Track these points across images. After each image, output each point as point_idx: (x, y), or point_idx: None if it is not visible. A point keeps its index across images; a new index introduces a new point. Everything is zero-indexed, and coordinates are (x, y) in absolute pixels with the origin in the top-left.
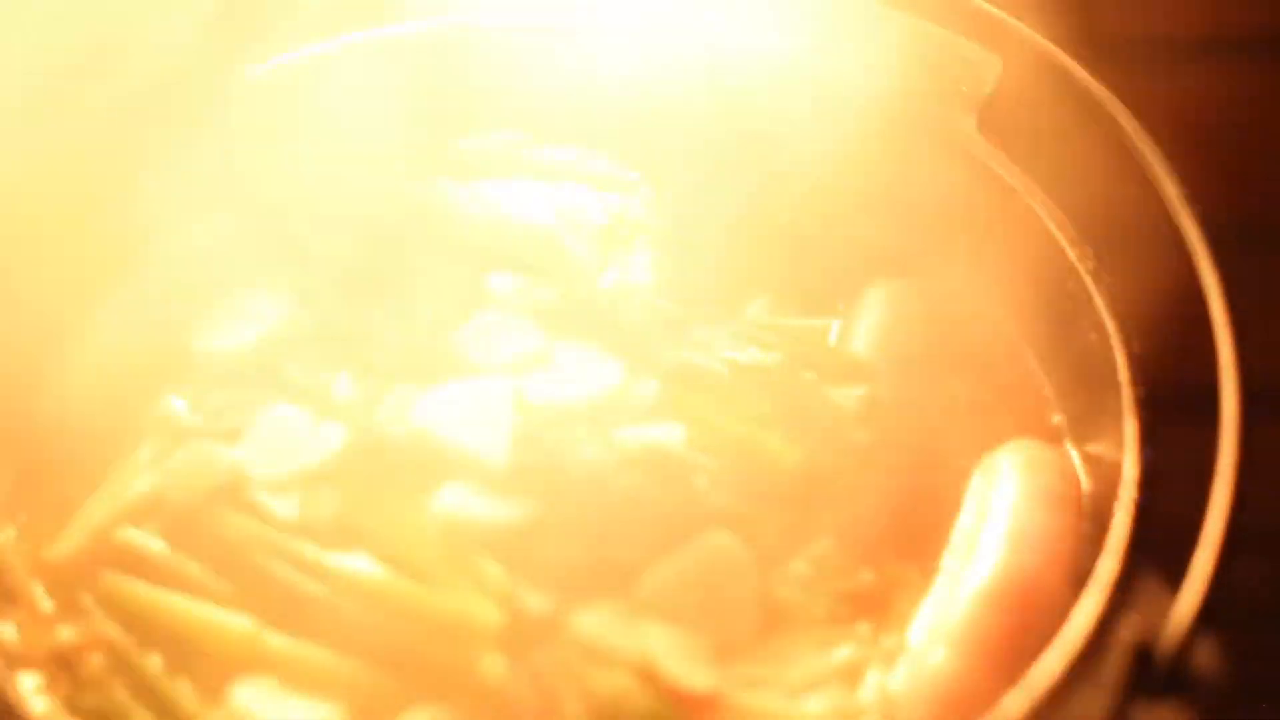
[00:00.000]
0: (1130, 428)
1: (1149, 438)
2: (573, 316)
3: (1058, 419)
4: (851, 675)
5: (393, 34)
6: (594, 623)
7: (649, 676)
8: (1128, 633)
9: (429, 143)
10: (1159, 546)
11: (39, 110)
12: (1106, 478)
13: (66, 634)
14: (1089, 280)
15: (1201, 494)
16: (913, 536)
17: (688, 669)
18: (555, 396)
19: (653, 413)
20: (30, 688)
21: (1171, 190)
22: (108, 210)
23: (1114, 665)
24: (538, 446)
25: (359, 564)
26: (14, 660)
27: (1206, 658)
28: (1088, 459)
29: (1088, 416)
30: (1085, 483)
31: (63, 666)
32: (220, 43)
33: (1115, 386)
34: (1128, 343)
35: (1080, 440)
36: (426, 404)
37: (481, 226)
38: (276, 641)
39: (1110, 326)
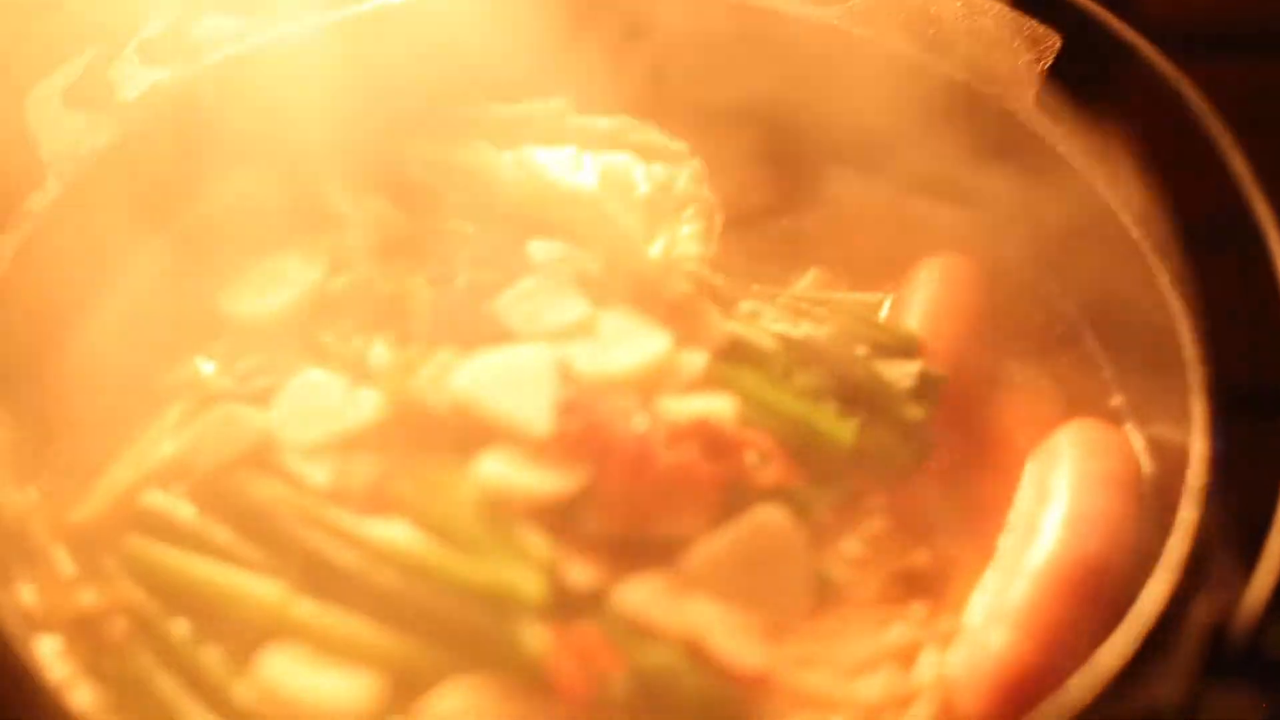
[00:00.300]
0: (1199, 408)
1: (1218, 418)
2: (618, 286)
3: (1117, 400)
4: (906, 657)
5: None
6: (640, 597)
7: (698, 653)
8: (1199, 614)
9: (469, 107)
10: (1228, 529)
11: None
12: (1170, 461)
13: (88, 598)
14: (1153, 259)
15: (1272, 476)
16: (968, 517)
17: (738, 647)
18: (600, 366)
19: (701, 385)
20: (50, 652)
21: (1240, 167)
22: (138, 166)
23: (1185, 647)
24: (582, 416)
25: (395, 531)
26: (34, 624)
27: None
28: (1150, 442)
29: (1150, 398)
30: (1146, 466)
31: (84, 631)
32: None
33: (1181, 367)
34: (1195, 322)
35: (1142, 422)
36: (467, 371)
37: (522, 191)
38: (308, 609)
39: (1176, 306)
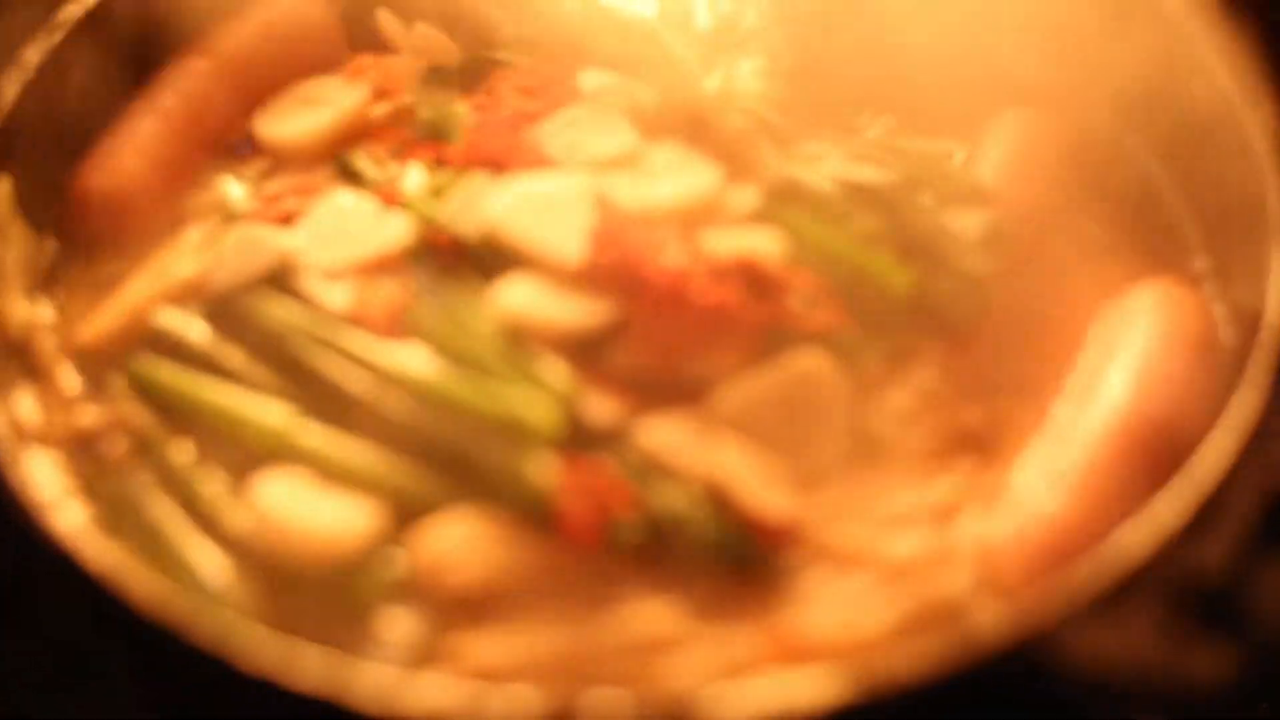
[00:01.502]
0: (1277, 260)
1: None
2: (670, 118)
3: (1200, 263)
4: (947, 515)
5: None
6: (663, 435)
7: (719, 499)
8: (1261, 479)
9: None
10: None
11: None
12: (1251, 328)
13: (90, 415)
14: (1246, 114)
15: None
16: (1030, 375)
17: (763, 493)
18: (641, 198)
19: (748, 222)
20: (44, 467)
21: None
22: None
23: (1242, 512)
24: (616, 247)
25: (408, 356)
26: (28, 437)
27: None
28: (1232, 308)
29: (1234, 262)
30: (1227, 333)
31: (83, 448)
32: None
33: (1264, 223)
34: None
35: (1224, 286)
36: (499, 197)
37: (577, 20)
38: (313, 434)
39: (1267, 165)
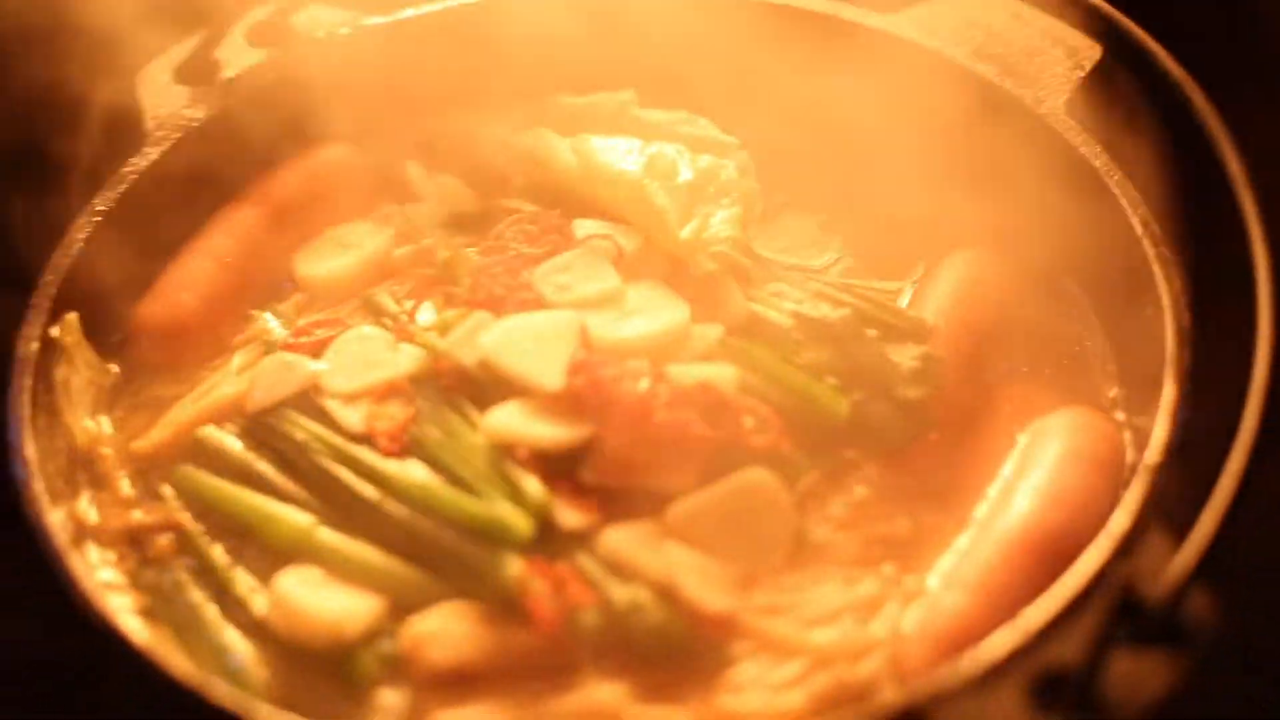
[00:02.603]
0: (1168, 393)
1: (1183, 403)
2: (650, 262)
3: (1115, 392)
4: (869, 611)
5: None
6: (621, 540)
7: (668, 595)
8: (1122, 581)
9: (543, 97)
10: (1182, 509)
11: None
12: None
13: (140, 516)
14: (1158, 266)
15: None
16: (955, 490)
17: (707, 591)
18: (616, 332)
19: (711, 355)
20: (96, 560)
21: (1235, 168)
22: (232, 138)
23: (1102, 610)
24: (589, 375)
25: (411, 470)
26: (91, 536)
27: (1201, 610)
28: (1138, 434)
29: (1142, 393)
30: (1132, 454)
31: (133, 545)
32: None
33: (1163, 358)
34: (1178, 315)
35: (1134, 414)
36: (495, 332)
37: (575, 174)
38: (328, 537)
39: (1166, 300)
